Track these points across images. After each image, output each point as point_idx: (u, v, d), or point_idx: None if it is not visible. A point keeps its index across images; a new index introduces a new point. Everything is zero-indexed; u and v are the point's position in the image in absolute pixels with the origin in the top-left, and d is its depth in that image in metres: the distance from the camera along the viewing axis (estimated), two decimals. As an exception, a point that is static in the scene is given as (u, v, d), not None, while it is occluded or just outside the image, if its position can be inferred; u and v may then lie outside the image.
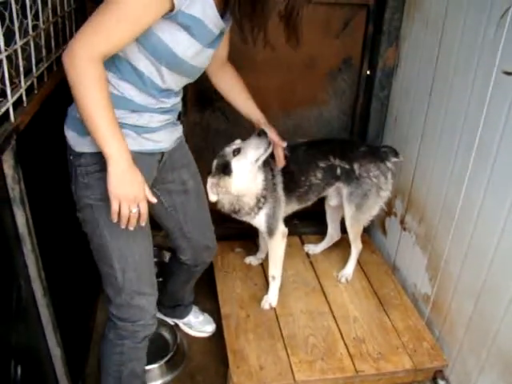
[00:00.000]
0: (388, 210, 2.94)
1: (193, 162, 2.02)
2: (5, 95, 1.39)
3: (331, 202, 2.71)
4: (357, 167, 2.48)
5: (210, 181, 2.17)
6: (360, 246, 2.74)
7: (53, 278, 1.78)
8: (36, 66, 1.64)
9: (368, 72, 2.84)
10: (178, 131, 1.81)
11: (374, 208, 2.59)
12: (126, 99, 1.52)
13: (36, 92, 1.65)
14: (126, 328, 1.76)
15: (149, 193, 1.49)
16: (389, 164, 2.54)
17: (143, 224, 1.51)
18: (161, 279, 2.67)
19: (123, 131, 1.44)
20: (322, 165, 2.46)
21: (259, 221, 2.39)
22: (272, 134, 2.13)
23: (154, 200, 1.51)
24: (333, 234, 2.96)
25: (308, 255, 2.97)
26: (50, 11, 1.86)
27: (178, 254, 2.18)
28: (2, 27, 1.33)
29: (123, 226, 1.47)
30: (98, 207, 1.56)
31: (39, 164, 1.85)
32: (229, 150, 2.18)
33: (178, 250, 2.16)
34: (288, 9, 1.44)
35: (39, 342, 1.78)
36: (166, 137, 1.71)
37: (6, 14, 1.36)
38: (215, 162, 2.20)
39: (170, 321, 2.55)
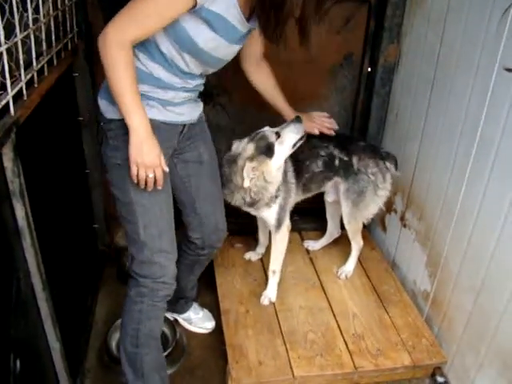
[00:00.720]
0: (388, 207, 2.94)
1: (210, 139, 2.13)
2: (5, 88, 1.39)
3: (329, 198, 2.71)
4: (356, 161, 2.47)
5: (249, 165, 2.14)
6: (361, 242, 2.74)
7: (52, 272, 1.78)
8: (36, 59, 1.65)
9: (369, 69, 2.83)
10: (199, 108, 1.97)
11: (371, 206, 2.57)
12: (154, 77, 1.69)
13: (36, 85, 1.66)
14: (146, 285, 1.85)
15: (163, 162, 1.67)
16: (388, 164, 2.54)
17: (159, 188, 1.71)
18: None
19: (150, 103, 1.70)
20: (322, 153, 2.45)
21: (271, 213, 2.39)
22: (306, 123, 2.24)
23: (166, 168, 1.69)
24: (332, 230, 2.96)
25: (308, 251, 2.97)
26: (50, 5, 1.87)
27: (187, 231, 2.20)
28: (2, 20, 1.33)
29: (141, 188, 1.68)
30: (124, 166, 1.67)
31: (39, 157, 1.86)
32: (269, 133, 2.18)
33: (188, 227, 2.18)
34: (302, 17, 1.60)
35: (38, 336, 1.79)
36: (188, 111, 1.86)
37: (6, 7, 1.36)
38: (254, 145, 2.17)
39: (170, 316, 2.55)
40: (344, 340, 2.35)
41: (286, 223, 2.45)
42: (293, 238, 2.86)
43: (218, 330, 2.47)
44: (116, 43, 1.48)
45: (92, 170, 2.74)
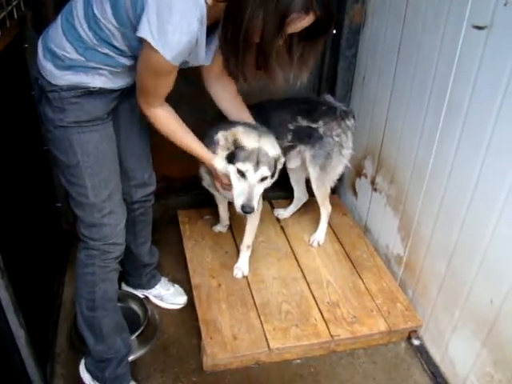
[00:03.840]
0: (358, 171, 2.91)
1: None
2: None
3: (290, 165, 2.64)
4: (321, 126, 2.43)
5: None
6: (329, 207, 2.70)
7: (12, 257, 1.71)
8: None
9: (334, 31, 2.74)
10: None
11: (338, 167, 2.55)
12: (109, 57, 1.64)
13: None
14: (97, 247, 1.83)
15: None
16: (348, 122, 2.51)
17: None
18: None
19: (100, 71, 1.65)
20: (291, 127, 2.39)
21: None
22: None
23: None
24: (300, 196, 2.92)
25: (278, 220, 2.93)
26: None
27: None
28: None
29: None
30: (71, 128, 1.66)
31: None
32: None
33: None
34: (261, 45, 1.51)
35: (1, 326, 1.71)
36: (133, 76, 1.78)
37: None
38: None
39: (140, 293, 2.48)
40: (319, 309, 2.33)
41: (260, 201, 2.39)
42: (263, 207, 2.79)
43: (191, 305, 2.42)
44: (149, 110, 1.72)
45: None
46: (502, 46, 1.71)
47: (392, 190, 2.55)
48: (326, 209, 2.70)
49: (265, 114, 2.31)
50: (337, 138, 2.45)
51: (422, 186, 2.26)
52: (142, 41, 1.47)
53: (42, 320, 2.20)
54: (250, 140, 2.00)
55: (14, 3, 2.02)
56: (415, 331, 2.36)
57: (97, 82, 1.66)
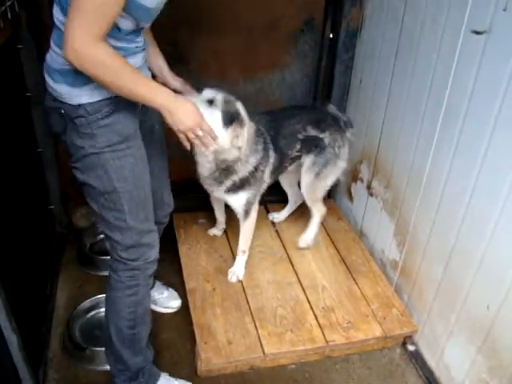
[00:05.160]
0: (354, 176, 2.90)
1: None
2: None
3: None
4: (327, 137, 2.44)
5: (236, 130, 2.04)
6: (323, 209, 2.67)
7: (5, 261, 1.70)
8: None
9: (331, 35, 2.73)
10: (150, 73, 1.85)
11: (330, 177, 2.54)
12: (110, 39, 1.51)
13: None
14: (139, 267, 1.80)
15: (202, 115, 1.69)
16: (348, 134, 2.54)
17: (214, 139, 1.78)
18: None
19: None
20: (300, 137, 2.41)
21: (239, 199, 2.35)
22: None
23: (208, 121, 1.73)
24: (295, 198, 2.90)
25: (274, 224, 2.92)
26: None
27: None
28: None
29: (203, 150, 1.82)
30: (104, 154, 1.59)
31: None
32: (228, 97, 2.04)
33: None
34: None
35: (-8, 330, 1.69)
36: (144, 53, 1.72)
37: None
38: (224, 112, 2.00)
39: (134, 297, 2.46)
40: (314, 314, 2.32)
41: (255, 208, 2.42)
42: (259, 211, 2.78)
43: (185, 310, 2.39)
44: (89, 46, 1.36)
45: (44, 149, 2.59)
46: (500, 52, 1.70)
47: (388, 195, 2.54)
48: (318, 210, 2.67)
49: (277, 122, 2.35)
50: (337, 150, 2.47)
51: (418, 191, 2.25)
52: None
53: (35, 324, 2.18)
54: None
55: (7, 3, 2.00)
56: (410, 337, 2.35)
57: None
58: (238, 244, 2.51)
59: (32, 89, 2.41)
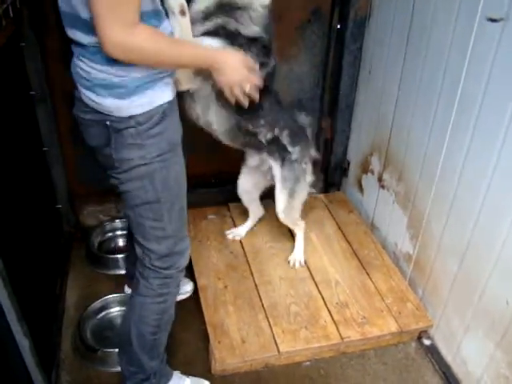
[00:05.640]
0: (364, 167, 2.85)
1: None
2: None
3: (252, 162, 2.45)
4: (296, 152, 2.29)
5: None
6: (302, 224, 2.56)
7: (13, 262, 1.66)
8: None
9: (338, 26, 2.67)
10: None
11: (302, 194, 2.42)
12: None
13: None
14: (171, 275, 1.79)
15: (250, 63, 1.70)
16: (312, 152, 2.43)
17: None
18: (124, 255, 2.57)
19: (165, 80, 1.52)
20: (276, 131, 2.20)
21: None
22: None
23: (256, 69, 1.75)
24: (255, 212, 2.73)
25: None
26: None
27: None
28: None
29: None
30: (153, 164, 1.55)
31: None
32: None
33: None
34: None
35: (4, 335, 1.67)
36: None
37: None
38: None
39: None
40: (328, 310, 2.28)
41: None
42: (268, 206, 2.75)
43: (197, 308, 2.36)
44: (129, 35, 1.31)
45: (50, 148, 2.56)
46: (518, 40, 1.66)
47: (400, 188, 2.50)
48: (299, 228, 2.57)
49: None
50: (304, 166, 2.35)
51: (432, 183, 2.21)
52: None
53: (46, 325, 2.15)
54: None
55: (9, 1, 1.95)
56: (425, 331, 2.31)
57: (165, 92, 1.53)
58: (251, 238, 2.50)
59: (36, 87, 2.38)
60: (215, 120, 1.98)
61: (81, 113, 1.58)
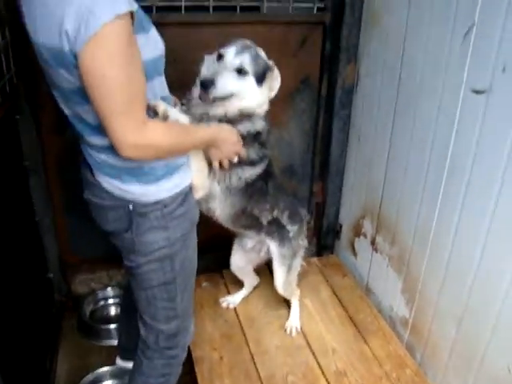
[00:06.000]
0: (356, 230, 2.86)
1: None
2: None
3: (249, 244, 2.43)
4: (293, 231, 2.29)
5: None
6: (298, 292, 2.55)
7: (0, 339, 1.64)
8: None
9: (327, 92, 2.75)
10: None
11: (298, 265, 2.43)
12: None
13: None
14: (176, 355, 1.78)
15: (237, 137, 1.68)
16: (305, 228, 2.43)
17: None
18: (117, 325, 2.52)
19: (184, 168, 1.56)
20: (275, 213, 2.18)
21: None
22: None
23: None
24: (250, 282, 2.71)
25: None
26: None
27: None
28: None
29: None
30: (175, 245, 1.56)
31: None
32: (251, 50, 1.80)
33: None
34: None
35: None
36: None
37: None
38: (256, 73, 1.77)
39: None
40: (326, 379, 2.23)
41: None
42: (262, 271, 2.73)
43: (192, 381, 2.29)
44: (143, 134, 1.29)
45: (42, 217, 2.55)
46: (503, 111, 1.71)
47: (394, 251, 2.50)
48: (295, 296, 2.55)
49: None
50: (301, 242, 2.36)
51: (426, 247, 2.22)
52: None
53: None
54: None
55: (7, 77, 1.99)
56: (426, 397, 2.27)
57: (188, 174, 1.58)
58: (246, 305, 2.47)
59: (29, 158, 2.39)
60: (219, 207, 1.94)
61: (96, 198, 1.56)
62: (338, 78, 2.65)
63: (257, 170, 1.88)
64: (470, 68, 1.84)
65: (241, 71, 1.70)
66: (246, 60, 1.71)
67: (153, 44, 1.38)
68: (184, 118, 1.61)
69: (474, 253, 1.91)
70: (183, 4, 2.30)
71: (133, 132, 1.27)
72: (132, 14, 1.21)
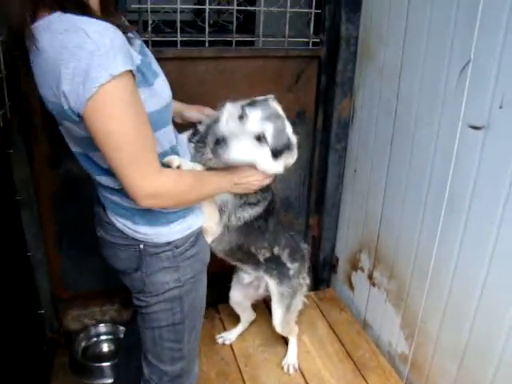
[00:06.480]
0: (354, 264, 2.83)
1: None
2: None
3: (246, 280, 2.37)
4: (294, 269, 2.25)
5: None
6: (296, 329, 2.50)
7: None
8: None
9: (322, 126, 2.75)
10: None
11: (299, 304, 2.39)
12: None
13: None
14: None
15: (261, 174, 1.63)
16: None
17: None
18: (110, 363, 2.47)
19: (196, 210, 1.56)
20: (275, 251, 2.14)
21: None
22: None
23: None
24: (247, 317, 2.67)
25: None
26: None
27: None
28: None
29: None
30: (185, 286, 1.54)
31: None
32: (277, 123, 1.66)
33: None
34: None
35: None
36: None
37: None
38: (274, 147, 1.61)
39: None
40: (325, 419, 2.18)
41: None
42: (259, 306, 2.68)
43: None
44: (159, 182, 1.29)
45: (34, 252, 2.50)
46: (501, 146, 1.70)
47: (392, 286, 2.47)
48: (293, 334, 2.51)
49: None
50: (302, 280, 2.32)
51: (424, 282, 2.18)
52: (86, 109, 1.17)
53: None
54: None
55: (0, 112, 1.98)
56: None
57: (200, 216, 1.57)
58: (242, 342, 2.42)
59: (21, 192, 2.36)
60: (216, 241, 1.86)
61: (108, 236, 1.55)
62: (333, 111, 2.65)
63: (256, 210, 1.84)
64: (466, 104, 1.84)
65: (260, 139, 1.57)
66: (269, 131, 1.57)
67: (157, 95, 1.36)
68: (199, 167, 1.60)
69: (475, 288, 1.88)
70: (179, 39, 2.30)
71: (149, 181, 1.26)
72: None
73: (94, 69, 1.11)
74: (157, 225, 1.47)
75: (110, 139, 1.19)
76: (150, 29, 2.25)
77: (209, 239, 1.72)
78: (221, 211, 1.74)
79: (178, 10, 2.27)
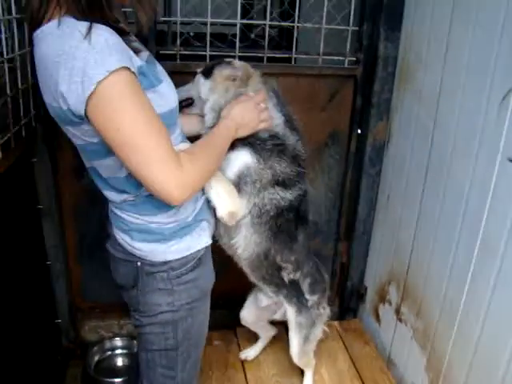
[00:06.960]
0: (381, 296, 2.68)
1: None
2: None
3: (263, 303, 2.27)
4: (312, 300, 2.15)
5: None
6: (313, 362, 2.36)
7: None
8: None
9: (355, 149, 2.63)
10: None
11: (318, 334, 2.26)
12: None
13: None
14: None
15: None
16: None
17: None
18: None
19: (202, 225, 1.51)
20: (296, 276, 2.04)
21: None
22: None
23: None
24: (265, 334, 2.56)
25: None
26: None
27: None
28: None
29: None
30: (179, 312, 1.49)
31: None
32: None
33: None
34: None
35: None
36: None
37: None
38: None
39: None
40: None
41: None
42: (272, 333, 2.56)
43: None
44: (183, 171, 1.24)
45: (54, 262, 2.49)
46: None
47: (419, 324, 2.31)
48: (310, 366, 2.37)
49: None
50: (322, 310, 2.20)
51: (453, 324, 2.02)
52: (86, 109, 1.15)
53: None
54: None
55: (22, 122, 1.95)
56: None
57: (202, 237, 1.52)
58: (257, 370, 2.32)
59: (43, 201, 2.35)
60: (243, 244, 1.78)
61: (112, 249, 1.55)
62: (368, 134, 2.53)
63: (289, 195, 1.74)
64: (507, 135, 1.69)
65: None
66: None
67: (161, 99, 1.32)
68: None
69: (508, 337, 1.71)
70: (208, 53, 2.23)
71: (175, 173, 1.22)
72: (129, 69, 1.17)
73: (90, 66, 1.10)
74: (152, 241, 1.44)
75: (120, 136, 1.16)
76: (178, 42, 2.19)
77: (232, 221, 1.63)
78: (242, 183, 1.65)
79: (209, 24, 2.20)
